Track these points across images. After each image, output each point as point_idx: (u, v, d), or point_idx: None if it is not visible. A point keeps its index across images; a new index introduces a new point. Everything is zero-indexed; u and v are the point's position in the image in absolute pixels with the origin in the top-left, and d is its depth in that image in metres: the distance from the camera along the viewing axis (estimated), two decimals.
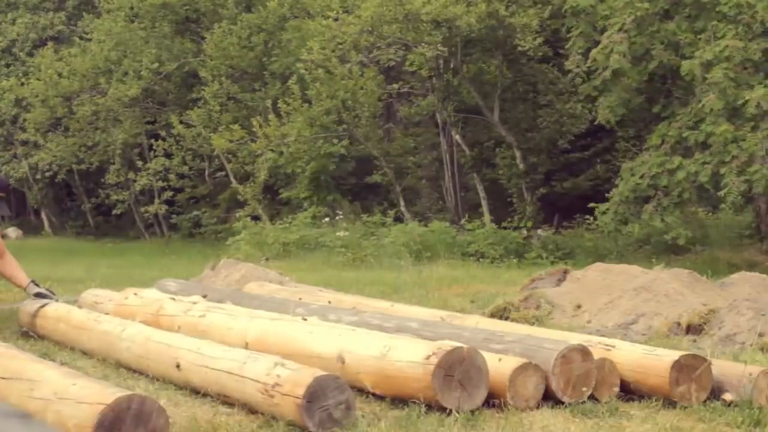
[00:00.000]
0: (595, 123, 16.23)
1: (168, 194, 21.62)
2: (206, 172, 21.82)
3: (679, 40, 12.70)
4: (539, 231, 16.33)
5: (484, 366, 3.60)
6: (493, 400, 3.66)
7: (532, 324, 5.73)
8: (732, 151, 11.73)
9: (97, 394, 3.09)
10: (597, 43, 13.37)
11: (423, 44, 15.98)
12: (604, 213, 13.65)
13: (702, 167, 12.11)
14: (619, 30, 12.55)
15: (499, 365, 3.70)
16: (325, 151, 18.00)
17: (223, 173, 21.07)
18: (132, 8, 21.33)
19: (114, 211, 22.99)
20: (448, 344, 3.66)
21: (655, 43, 12.77)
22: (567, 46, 14.28)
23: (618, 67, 12.53)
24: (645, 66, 12.93)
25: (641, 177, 12.90)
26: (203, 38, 20.80)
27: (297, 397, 3.27)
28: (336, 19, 17.23)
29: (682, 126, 12.60)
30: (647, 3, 12.54)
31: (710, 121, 11.93)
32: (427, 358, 3.56)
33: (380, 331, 4.31)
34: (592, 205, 14.55)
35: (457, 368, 3.55)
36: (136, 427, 2.94)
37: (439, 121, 18.85)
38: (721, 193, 12.00)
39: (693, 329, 5.67)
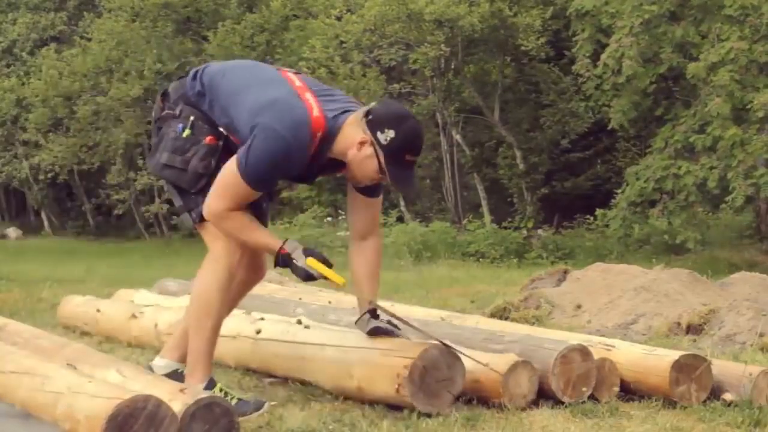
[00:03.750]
0: (596, 123, 16.28)
1: (169, 194, 21.57)
2: None
3: (686, 42, 12.69)
4: (539, 231, 16.35)
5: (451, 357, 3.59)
6: (493, 401, 3.66)
7: (532, 324, 5.73)
8: (738, 155, 11.73)
9: (115, 390, 3.09)
10: (603, 44, 13.37)
11: (425, 44, 16.00)
12: (612, 219, 13.65)
13: (710, 172, 12.11)
14: (628, 33, 12.54)
15: (488, 371, 3.69)
16: None
17: None
18: (133, 8, 21.34)
19: (115, 212, 22.97)
20: (405, 364, 3.54)
21: (663, 46, 12.76)
22: (574, 50, 14.29)
23: (631, 73, 12.55)
24: (654, 68, 12.93)
25: (646, 181, 12.91)
26: (204, 38, 20.81)
27: None
28: (339, 18, 17.26)
29: (687, 129, 12.59)
30: (654, 6, 12.54)
31: (717, 125, 11.93)
32: (397, 391, 3.53)
33: None
34: (599, 212, 14.57)
35: (427, 375, 3.53)
36: (148, 429, 2.91)
37: (439, 121, 18.86)
38: (729, 198, 12.01)
39: (693, 329, 5.67)
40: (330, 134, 3.39)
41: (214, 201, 3.45)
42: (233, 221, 3.45)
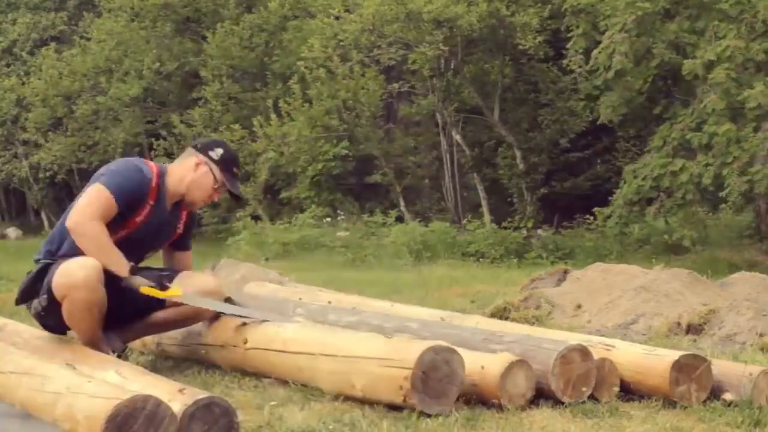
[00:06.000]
0: (596, 123, 16.29)
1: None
2: None
3: (681, 39, 12.70)
4: (539, 231, 16.35)
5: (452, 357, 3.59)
6: (493, 401, 3.66)
7: (532, 324, 5.73)
8: (733, 152, 11.73)
9: (114, 390, 3.09)
10: (597, 42, 13.38)
11: (424, 44, 15.99)
12: (608, 217, 13.65)
13: (705, 169, 12.11)
14: (621, 30, 12.55)
15: (485, 372, 3.68)
16: (330, 154, 18.00)
17: None
18: (133, 8, 21.35)
19: None
20: (405, 375, 3.54)
21: (656, 42, 12.76)
22: (568, 46, 14.29)
23: (620, 68, 12.54)
24: (647, 65, 12.93)
25: (643, 179, 12.91)
26: (204, 38, 20.82)
27: None
28: (337, 18, 17.26)
29: (684, 128, 12.60)
30: (648, 3, 12.54)
31: (713, 122, 11.93)
32: (404, 400, 3.52)
33: (380, 331, 4.30)
34: (596, 210, 14.57)
35: (429, 379, 3.53)
36: (147, 429, 2.91)
37: (439, 121, 18.85)
38: (723, 193, 12.01)
39: (693, 329, 5.67)
40: (161, 172, 4.07)
41: (78, 212, 3.92)
42: (94, 230, 3.87)
